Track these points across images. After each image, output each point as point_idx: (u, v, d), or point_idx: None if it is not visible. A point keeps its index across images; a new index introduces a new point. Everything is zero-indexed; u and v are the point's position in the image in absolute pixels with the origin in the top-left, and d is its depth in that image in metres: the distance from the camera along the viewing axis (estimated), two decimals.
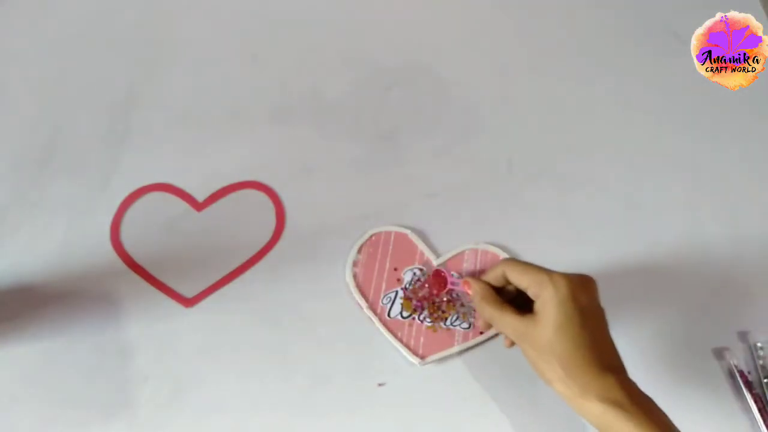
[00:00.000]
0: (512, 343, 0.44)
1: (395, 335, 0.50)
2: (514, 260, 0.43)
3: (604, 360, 0.39)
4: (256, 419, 0.47)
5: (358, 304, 0.51)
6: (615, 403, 0.36)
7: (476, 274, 0.50)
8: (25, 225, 0.55)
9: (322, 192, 0.58)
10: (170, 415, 0.47)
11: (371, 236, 0.54)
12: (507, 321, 0.41)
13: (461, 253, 0.54)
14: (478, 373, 0.49)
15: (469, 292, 0.45)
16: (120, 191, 0.57)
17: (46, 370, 0.48)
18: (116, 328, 0.50)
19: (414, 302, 0.51)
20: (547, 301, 0.39)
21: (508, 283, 0.43)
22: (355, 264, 0.53)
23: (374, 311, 0.51)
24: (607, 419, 0.36)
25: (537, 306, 0.40)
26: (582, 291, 0.40)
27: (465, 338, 0.50)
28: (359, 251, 0.53)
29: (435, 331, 0.50)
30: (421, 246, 0.54)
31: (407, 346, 0.49)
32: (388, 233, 0.55)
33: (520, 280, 0.41)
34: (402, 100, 0.64)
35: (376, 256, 0.53)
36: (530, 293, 0.41)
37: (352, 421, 0.47)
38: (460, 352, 0.50)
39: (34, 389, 0.48)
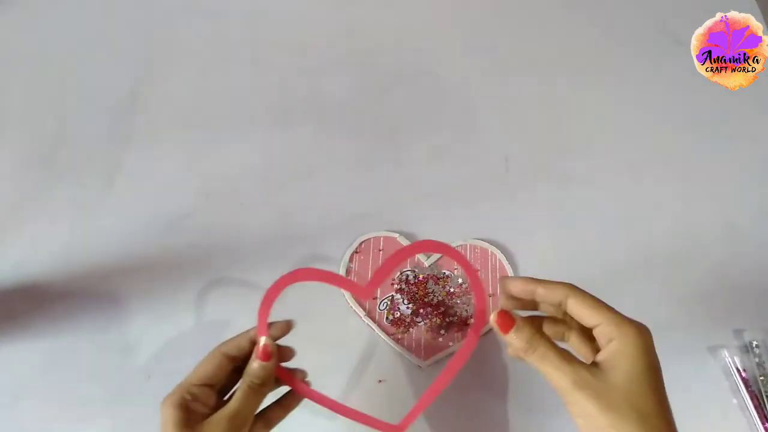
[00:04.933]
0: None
1: (395, 339, 0.50)
2: (580, 290, 0.35)
3: (671, 420, 0.34)
4: None
5: (356, 313, 0.51)
6: None
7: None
8: (30, 224, 0.55)
9: (322, 192, 0.58)
10: None
11: (361, 243, 0.54)
12: (567, 367, 0.33)
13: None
14: (477, 371, 0.50)
15: (500, 328, 0.35)
16: (124, 191, 0.57)
17: (49, 368, 0.49)
18: (119, 327, 0.50)
19: (411, 306, 0.51)
20: (629, 346, 0.33)
21: (535, 303, 0.37)
22: (348, 273, 0.53)
23: (372, 318, 0.51)
24: None
25: (613, 352, 0.33)
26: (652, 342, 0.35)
27: (464, 336, 0.50)
28: (350, 260, 0.53)
29: (433, 332, 0.50)
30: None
31: (408, 348, 0.50)
32: (377, 238, 0.54)
33: (589, 313, 0.34)
34: (402, 100, 0.64)
35: (367, 263, 0.53)
36: (600, 333, 0.34)
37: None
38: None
39: (38, 387, 0.48)
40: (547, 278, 0.37)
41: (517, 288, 0.37)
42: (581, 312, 0.35)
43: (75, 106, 0.63)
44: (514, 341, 0.35)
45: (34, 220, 0.55)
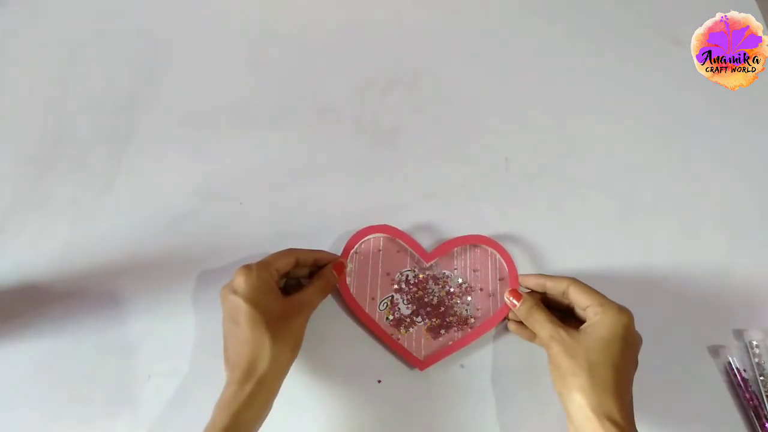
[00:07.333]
0: (527, 336, 0.49)
1: (394, 339, 0.50)
2: (580, 282, 0.46)
3: (624, 391, 0.41)
4: None
5: (356, 315, 0.51)
6: (619, 429, 0.38)
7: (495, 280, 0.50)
8: (30, 225, 0.55)
9: (322, 192, 0.58)
10: (172, 412, 0.47)
11: (360, 243, 0.53)
12: (551, 326, 0.44)
13: (450, 253, 0.54)
14: (476, 371, 0.50)
15: (516, 303, 0.48)
16: (124, 191, 0.57)
17: (49, 368, 0.49)
18: (119, 327, 0.50)
19: (411, 306, 0.52)
20: (606, 319, 0.42)
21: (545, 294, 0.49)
22: (348, 274, 0.52)
23: (372, 319, 0.51)
24: None
25: (591, 322, 0.43)
26: (634, 328, 0.43)
27: (464, 338, 0.50)
28: (350, 260, 0.53)
29: (432, 332, 0.51)
30: (411, 249, 0.53)
31: (408, 348, 0.50)
32: (377, 239, 0.54)
33: (584, 298, 0.45)
34: (402, 100, 0.64)
35: (367, 263, 0.53)
36: (589, 311, 0.44)
37: (352, 419, 0.48)
38: (459, 352, 0.50)
39: (38, 387, 0.48)
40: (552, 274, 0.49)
41: (530, 282, 0.50)
42: (578, 297, 0.45)
43: (75, 106, 0.63)
44: (519, 311, 0.48)
45: (34, 220, 0.55)
